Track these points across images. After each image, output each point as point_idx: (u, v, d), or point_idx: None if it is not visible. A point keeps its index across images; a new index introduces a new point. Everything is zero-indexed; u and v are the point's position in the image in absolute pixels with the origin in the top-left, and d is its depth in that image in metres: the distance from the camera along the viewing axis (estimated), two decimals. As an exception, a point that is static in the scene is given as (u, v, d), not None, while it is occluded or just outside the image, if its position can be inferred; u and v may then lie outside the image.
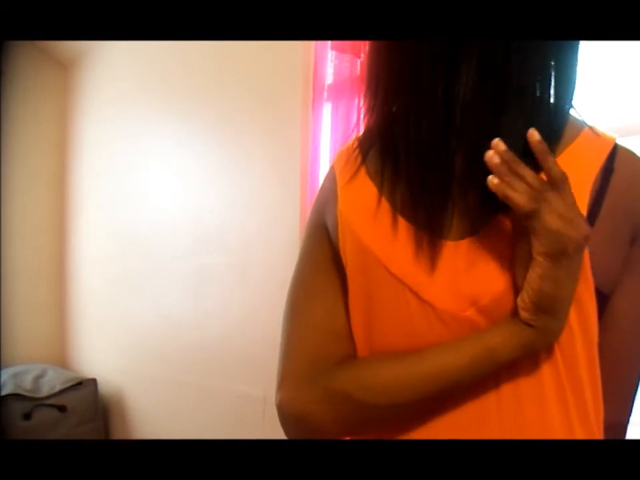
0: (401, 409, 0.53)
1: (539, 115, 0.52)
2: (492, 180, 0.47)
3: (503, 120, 0.51)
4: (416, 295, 0.53)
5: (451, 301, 0.52)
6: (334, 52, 1.54)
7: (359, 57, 1.50)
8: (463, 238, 0.53)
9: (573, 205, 0.48)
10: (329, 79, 1.57)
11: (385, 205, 0.55)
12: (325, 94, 1.57)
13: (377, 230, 0.55)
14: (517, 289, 0.50)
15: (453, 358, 0.51)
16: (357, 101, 1.49)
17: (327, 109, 1.57)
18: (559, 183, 0.47)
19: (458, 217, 0.53)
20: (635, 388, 0.58)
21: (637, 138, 1.19)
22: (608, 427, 0.54)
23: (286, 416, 0.57)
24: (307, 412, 0.55)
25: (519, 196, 0.46)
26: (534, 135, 0.48)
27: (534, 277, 0.48)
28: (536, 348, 0.50)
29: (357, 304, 0.58)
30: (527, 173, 0.47)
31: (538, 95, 0.53)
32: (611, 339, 0.53)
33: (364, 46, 1.47)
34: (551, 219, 0.46)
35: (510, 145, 0.49)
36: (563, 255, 0.47)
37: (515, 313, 0.50)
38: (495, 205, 0.50)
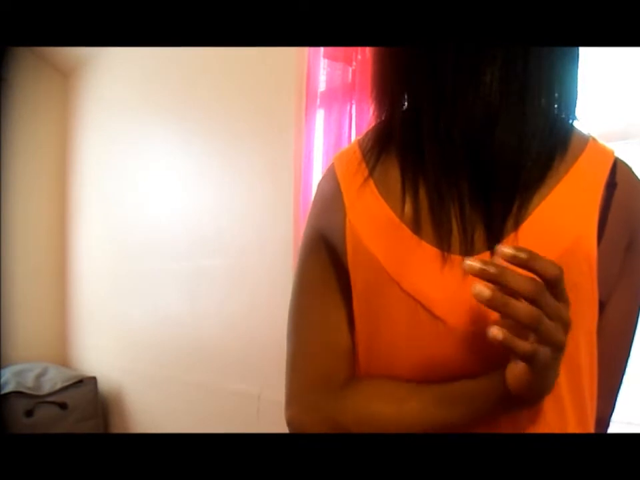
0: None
1: (552, 126, 0.52)
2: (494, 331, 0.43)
3: (524, 129, 0.50)
4: (428, 311, 0.52)
5: (463, 316, 0.51)
6: (326, 60, 1.57)
7: (351, 65, 1.54)
8: (478, 253, 0.51)
9: (563, 307, 0.44)
10: (322, 86, 1.59)
11: (398, 221, 0.53)
12: (318, 101, 1.60)
13: (389, 246, 0.54)
14: None
15: (448, 414, 0.51)
16: (348, 107, 1.53)
17: (319, 116, 1.60)
18: (554, 282, 0.43)
19: (476, 231, 0.52)
20: (620, 385, 0.60)
21: (622, 143, 1.22)
22: (595, 421, 0.56)
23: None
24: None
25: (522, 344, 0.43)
26: (504, 251, 0.42)
27: (510, 371, 0.47)
28: (521, 405, 0.50)
29: (363, 318, 0.57)
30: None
31: (549, 106, 0.53)
32: (600, 338, 0.54)
33: (356, 54, 1.52)
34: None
35: (528, 158, 0.50)
36: (544, 368, 0.45)
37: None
38: (516, 219, 0.50)
